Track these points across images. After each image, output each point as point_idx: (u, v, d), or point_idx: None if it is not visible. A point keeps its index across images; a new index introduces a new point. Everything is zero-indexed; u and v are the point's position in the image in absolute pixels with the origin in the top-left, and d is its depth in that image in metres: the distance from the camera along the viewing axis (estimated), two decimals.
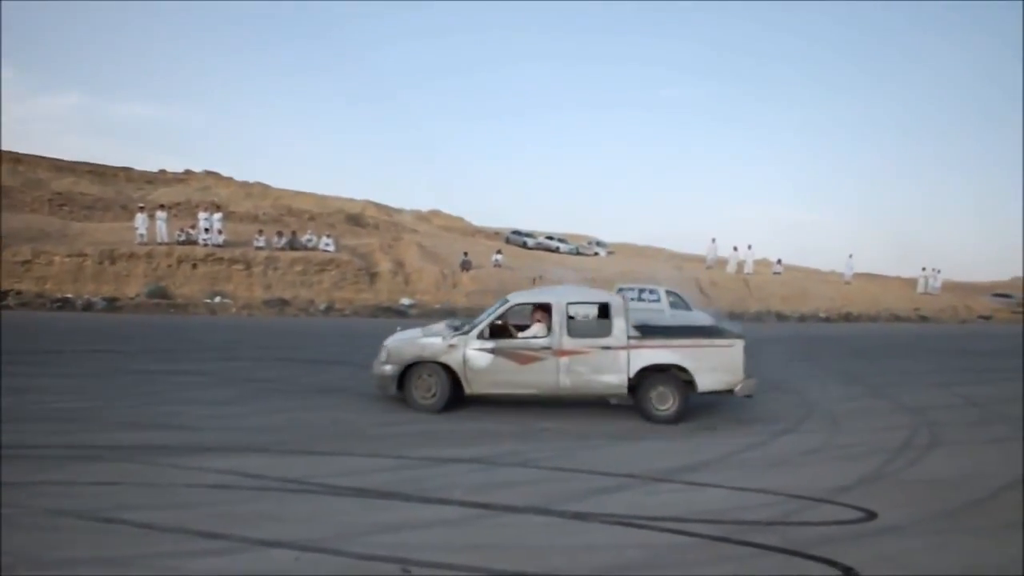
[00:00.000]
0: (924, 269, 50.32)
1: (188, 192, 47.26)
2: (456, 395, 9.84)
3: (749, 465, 7.45)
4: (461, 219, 59.80)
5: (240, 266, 32.81)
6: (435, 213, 60.29)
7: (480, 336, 9.81)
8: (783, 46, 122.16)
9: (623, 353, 9.45)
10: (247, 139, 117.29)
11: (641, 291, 18.82)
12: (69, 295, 28.84)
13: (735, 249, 45.33)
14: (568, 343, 9.55)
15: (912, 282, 51.27)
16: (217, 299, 30.72)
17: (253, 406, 9.97)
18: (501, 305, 10.15)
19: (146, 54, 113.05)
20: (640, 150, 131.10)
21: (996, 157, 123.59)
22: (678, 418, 9.40)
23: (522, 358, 9.65)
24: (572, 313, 9.93)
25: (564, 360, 9.53)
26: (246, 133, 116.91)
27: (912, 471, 7.35)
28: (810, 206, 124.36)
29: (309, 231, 37.66)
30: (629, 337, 9.48)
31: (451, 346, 9.85)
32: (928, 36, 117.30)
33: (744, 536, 5.18)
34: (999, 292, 55.11)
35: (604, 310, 9.92)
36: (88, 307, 27.58)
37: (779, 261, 48.27)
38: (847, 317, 39.41)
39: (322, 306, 31.15)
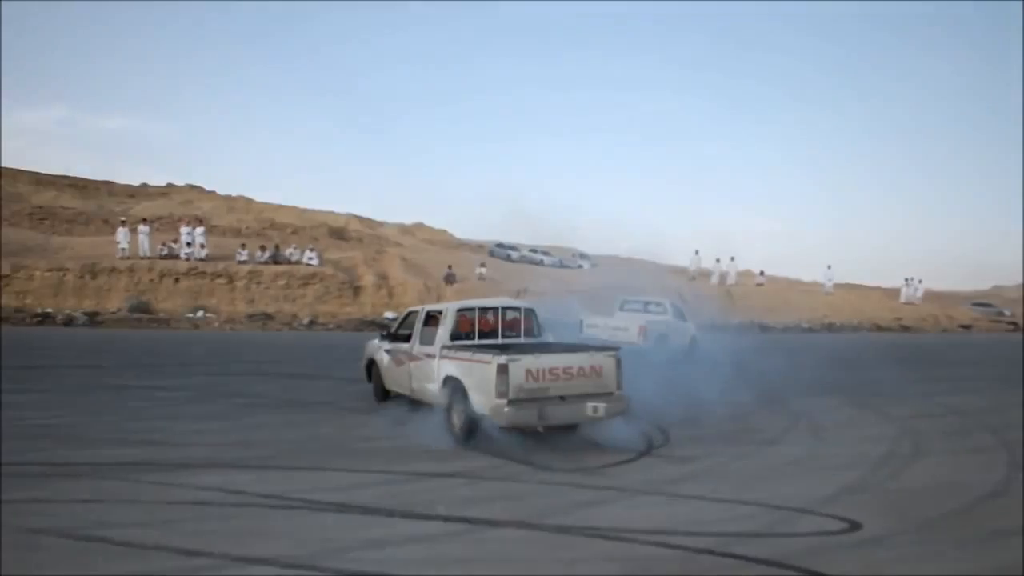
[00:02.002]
0: (906, 279, 50.81)
1: (170, 206, 47.03)
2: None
3: (733, 477, 7.45)
4: (445, 232, 59.67)
5: (223, 280, 32.66)
6: (419, 226, 60.15)
7: (390, 338, 10.86)
8: (764, 60, 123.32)
9: (434, 362, 9.26)
10: (230, 153, 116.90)
11: (647, 303, 19.04)
12: (50, 310, 28.64)
13: (718, 261, 45.54)
14: (416, 349, 9.89)
15: (893, 292, 51.69)
16: (200, 314, 30.56)
17: (235, 421, 9.92)
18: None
19: (128, 67, 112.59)
20: (624, 162, 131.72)
21: (978, 167, 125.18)
22: (464, 438, 8.46)
23: (398, 360, 10.42)
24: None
25: (412, 365, 9.95)
26: (229, 147, 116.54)
27: (895, 481, 7.38)
28: (792, 217, 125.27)
29: (292, 245, 37.55)
30: (443, 347, 9.17)
31: (379, 346, 11.13)
32: (908, 48, 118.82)
33: (728, 548, 5.18)
34: (979, 302, 55.67)
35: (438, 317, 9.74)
36: (69, 322, 27.37)
37: (762, 272, 48.51)
38: (830, 327, 39.68)
39: (305, 320, 31.04)
